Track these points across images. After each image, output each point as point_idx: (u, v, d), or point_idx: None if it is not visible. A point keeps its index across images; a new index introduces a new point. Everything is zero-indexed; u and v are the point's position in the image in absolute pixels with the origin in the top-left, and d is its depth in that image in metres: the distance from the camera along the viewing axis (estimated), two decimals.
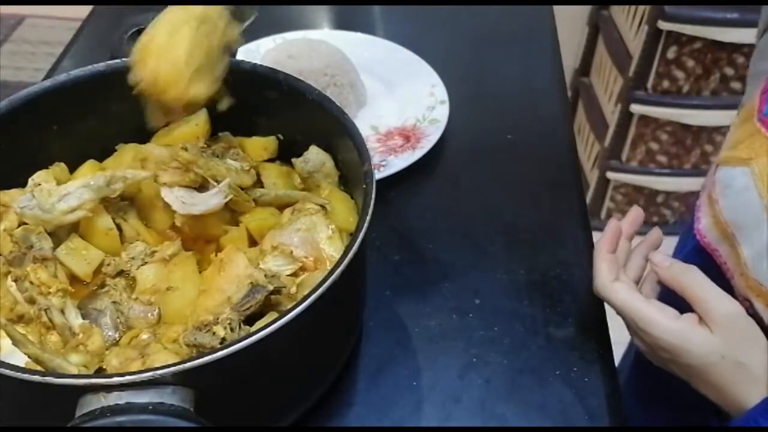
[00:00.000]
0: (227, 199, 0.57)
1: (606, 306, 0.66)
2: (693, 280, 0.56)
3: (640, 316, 0.55)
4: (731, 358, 0.53)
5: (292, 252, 0.54)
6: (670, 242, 0.73)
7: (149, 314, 0.53)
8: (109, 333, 0.53)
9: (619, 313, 0.58)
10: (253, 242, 0.59)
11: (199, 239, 0.59)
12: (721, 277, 0.59)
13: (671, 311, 0.56)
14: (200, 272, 0.55)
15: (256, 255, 0.55)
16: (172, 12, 0.55)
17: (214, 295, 0.51)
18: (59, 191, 0.55)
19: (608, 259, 0.60)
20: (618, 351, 0.64)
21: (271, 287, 0.50)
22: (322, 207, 0.59)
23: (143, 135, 0.64)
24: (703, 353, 0.54)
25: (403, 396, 0.59)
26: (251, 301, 0.50)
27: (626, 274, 0.61)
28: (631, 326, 0.58)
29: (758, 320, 0.56)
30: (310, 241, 0.56)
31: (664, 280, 0.58)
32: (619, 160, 1.76)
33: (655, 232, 0.64)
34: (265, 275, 0.51)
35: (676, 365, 0.56)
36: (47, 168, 0.59)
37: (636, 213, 0.64)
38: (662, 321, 0.55)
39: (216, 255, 0.57)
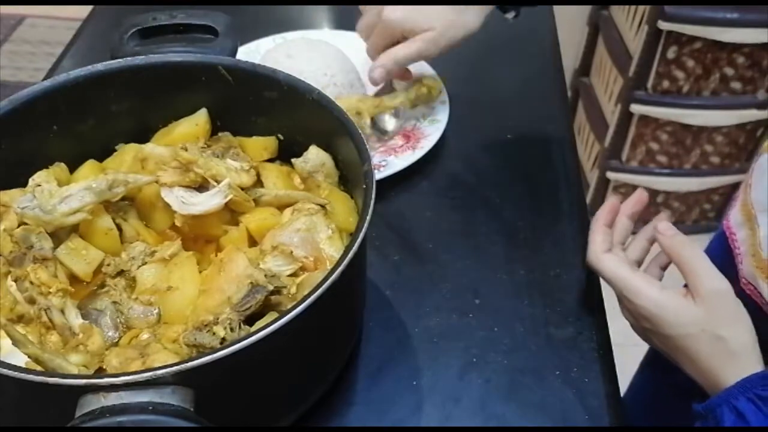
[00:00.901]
0: (227, 199, 0.57)
1: (606, 306, 0.66)
2: (690, 253, 0.57)
3: (626, 284, 0.58)
4: (711, 332, 0.54)
5: (292, 252, 0.54)
6: None
7: (149, 314, 0.53)
8: (109, 333, 0.53)
9: (608, 283, 0.60)
10: (253, 242, 0.59)
11: (199, 239, 0.59)
12: (731, 264, 0.61)
13: (657, 283, 0.58)
14: (200, 272, 0.55)
15: (256, 255, 0.55)
16: None
17: (214, 295, 0.51)
18: (61, 192, 0.55)
19: (603, 231, 0.62)
20: (618, 351, 0.64)
21: (271, 287, 0.50)
22: (322, 207, 0.59)
23: (143, 135, 0.65)
24: (682, 323, 0.55)
25: (403, 396, 0.59)
26: (251, 301, 0.50)
27: (627, 254, 0.63)
28: (619, 297, 0.60)
29: (759, 306, 0.57)
30: (310, 241, 0.56)
31: (663, 247, 0.59)
32: (619, 160, 1.76)
33: (663, 216, 0.66)
34: (265, 275, 0.51)
35: (657, 336, 0.57)
36: (47, 168, 0.59)
37: (640, 194, 0.66)
38: (645, 289, 0.57)
39: (216, 255, 0.57)
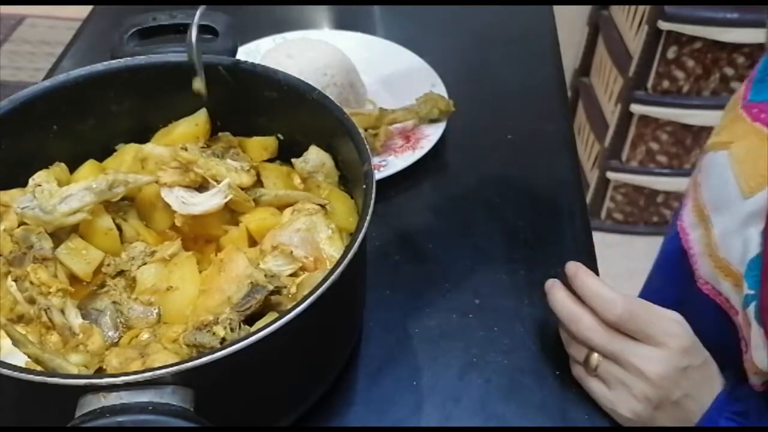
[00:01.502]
0: (227, 199, 0.57)
1: None
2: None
3: (662, 321, 0.53)
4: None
5: (292, 252, 0.54)
6: None
7: (149, 314, 0.53)
8: (109, 333, 0.53)
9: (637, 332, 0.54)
10: (253, 242, 0.59)
11: (199, 239, 0.59)
12: (688, 264, 0.61)
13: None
14: (200, 272, 0.55)
15: (256, 255, 0.55)
16: None
17: (214, 295, 0.51)
18: (61, 193, 0.55)
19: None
20: None
21: (271, 287, 0.50)
22: (322, 207, 0.59)
23: (143, 135, 0.65)
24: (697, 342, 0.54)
25: (403, 396, 0.59)
26: (251, 301, 0.50)
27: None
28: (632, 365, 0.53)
29: (717, 305, 0.57)
30: (310, 241, 0.56)
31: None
32: (619, 160, 1.76)
33: None
34: (265, 275, 0.51)
35: (695, 371, 0.54)
36: (47, 168, 0.59)
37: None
38: (672, 314, 0.54)
39: (216, 255, 0.57)
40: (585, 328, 0.55)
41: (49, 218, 0.54)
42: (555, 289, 0.57)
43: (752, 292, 0.53)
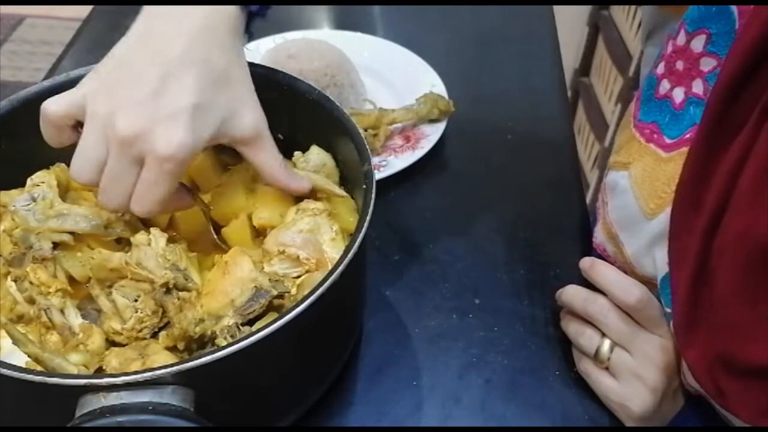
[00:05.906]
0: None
1: None
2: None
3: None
4: None
5: (299, 257, 0.54)
6: None
7: None
8: None
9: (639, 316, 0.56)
10: (256, 233, 0.58)
11: (200, 240, 0.59)
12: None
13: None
14: (201, 273, 0.55)
15: (260, 257, 0.55)
16: None
17: (217, 297, 0.51)
18: (60, 208, 0.55)
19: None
20: None
21: (275, 292, 0.50)
22: (327, 207, 0.58)
23: None
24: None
25: (403, 396, 0.59)
26: (254, 305, 0.50)
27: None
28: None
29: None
30: (313, 242, 0.56)
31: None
32: None
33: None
34: (270, 279, 0.51)
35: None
36: (47, 168, 0.59)
37: None
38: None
39: (219, 256, 0.57)
40: (601, 307, 0.56)
41: (35, 226, 0.54)
42: (567, 286, 0.60)
43: (669, 311, 0.54)
